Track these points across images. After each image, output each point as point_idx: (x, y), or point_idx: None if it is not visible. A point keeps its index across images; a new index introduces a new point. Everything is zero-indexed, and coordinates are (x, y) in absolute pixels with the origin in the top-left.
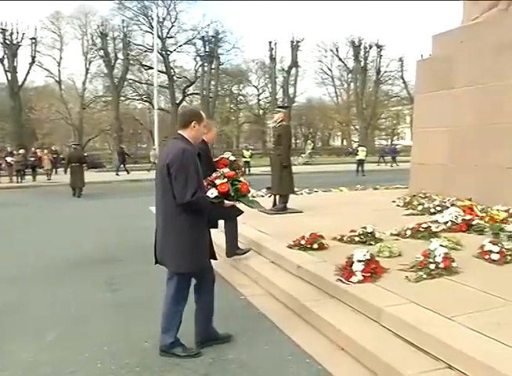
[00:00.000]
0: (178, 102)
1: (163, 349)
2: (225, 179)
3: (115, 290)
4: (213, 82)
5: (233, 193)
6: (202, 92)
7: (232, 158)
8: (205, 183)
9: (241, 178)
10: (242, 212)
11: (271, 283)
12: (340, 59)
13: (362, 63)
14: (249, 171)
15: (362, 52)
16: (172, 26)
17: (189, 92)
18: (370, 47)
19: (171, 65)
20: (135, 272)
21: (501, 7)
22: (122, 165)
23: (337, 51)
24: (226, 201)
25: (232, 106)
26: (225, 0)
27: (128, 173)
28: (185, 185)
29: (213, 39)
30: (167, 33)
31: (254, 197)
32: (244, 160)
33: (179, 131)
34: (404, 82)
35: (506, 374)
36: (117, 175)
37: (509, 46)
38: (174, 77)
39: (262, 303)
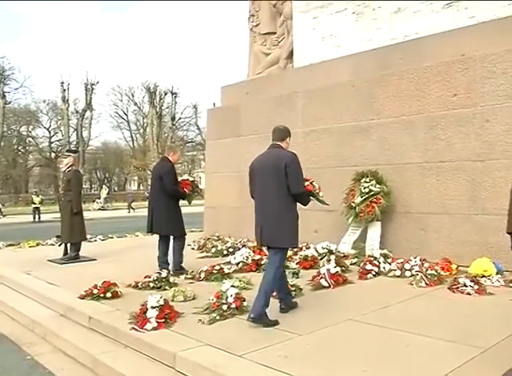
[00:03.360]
0: None
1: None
2: (307, 182)
3: None
4: None
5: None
6: None
7: (191, 179)
8: None
9: (314, 183)
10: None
11: (60, 338)
12: (135, 104)
13: (158, 109)
14: (39, 218)
15: (157, 98)
16: None
17: None
18: (165, 93)
19: None
20: None
21: (280, 64)
22: None
23: (133, 96)
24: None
25: (20, 148)
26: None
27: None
28: (300, 180)
29: None
30: None
31: (322, 196)
32: (34, 206)
33: (278, 143)
34: (198, 128)
35: None
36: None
37: (286, 98)
38: None
39: (51, 361)
